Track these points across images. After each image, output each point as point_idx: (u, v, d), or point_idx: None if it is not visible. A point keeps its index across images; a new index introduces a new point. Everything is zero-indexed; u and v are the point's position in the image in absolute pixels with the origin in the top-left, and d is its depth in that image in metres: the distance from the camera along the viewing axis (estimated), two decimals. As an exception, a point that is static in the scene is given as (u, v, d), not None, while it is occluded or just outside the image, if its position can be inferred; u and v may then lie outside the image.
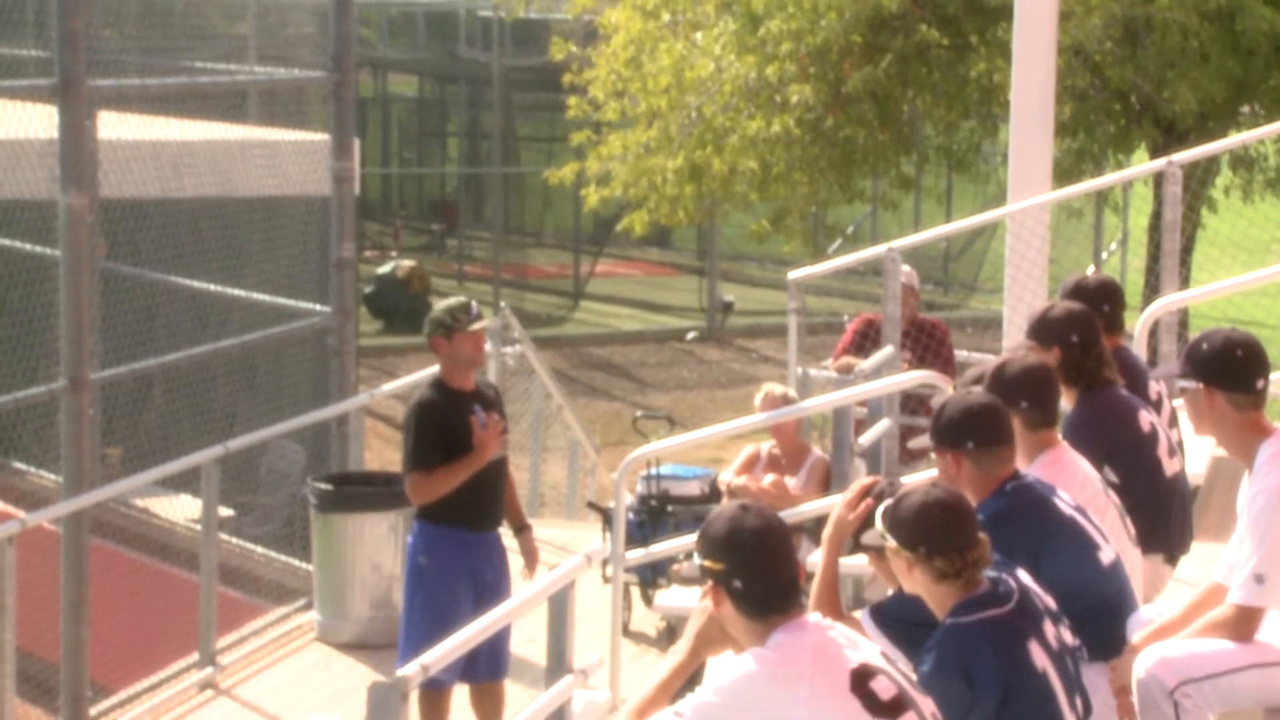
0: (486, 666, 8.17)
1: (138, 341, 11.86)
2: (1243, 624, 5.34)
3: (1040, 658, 4.88)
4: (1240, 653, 5.33)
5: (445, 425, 8.14)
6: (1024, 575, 5.16)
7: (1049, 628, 4.97)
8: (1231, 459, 9.68)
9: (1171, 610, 5.70)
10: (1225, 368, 5.51)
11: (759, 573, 4.50)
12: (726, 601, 4.54)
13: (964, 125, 18.73)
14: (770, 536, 4.54)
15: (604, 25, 19.70)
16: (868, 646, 4.57)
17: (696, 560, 4.63)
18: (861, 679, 4.43)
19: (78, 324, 10.42)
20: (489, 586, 8.25)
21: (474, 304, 8.42)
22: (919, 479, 7.30)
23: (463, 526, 8.23)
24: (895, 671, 4.53)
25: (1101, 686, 5.54)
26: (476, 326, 8.28)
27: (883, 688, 4.44)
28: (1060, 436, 6.90)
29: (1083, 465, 6.17)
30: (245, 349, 12.62)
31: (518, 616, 6.58)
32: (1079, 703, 4.97)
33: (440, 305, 8.40)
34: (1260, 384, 5.54)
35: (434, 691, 8.12)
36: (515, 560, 8.71)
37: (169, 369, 12.01)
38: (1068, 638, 5.17)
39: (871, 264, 11.77)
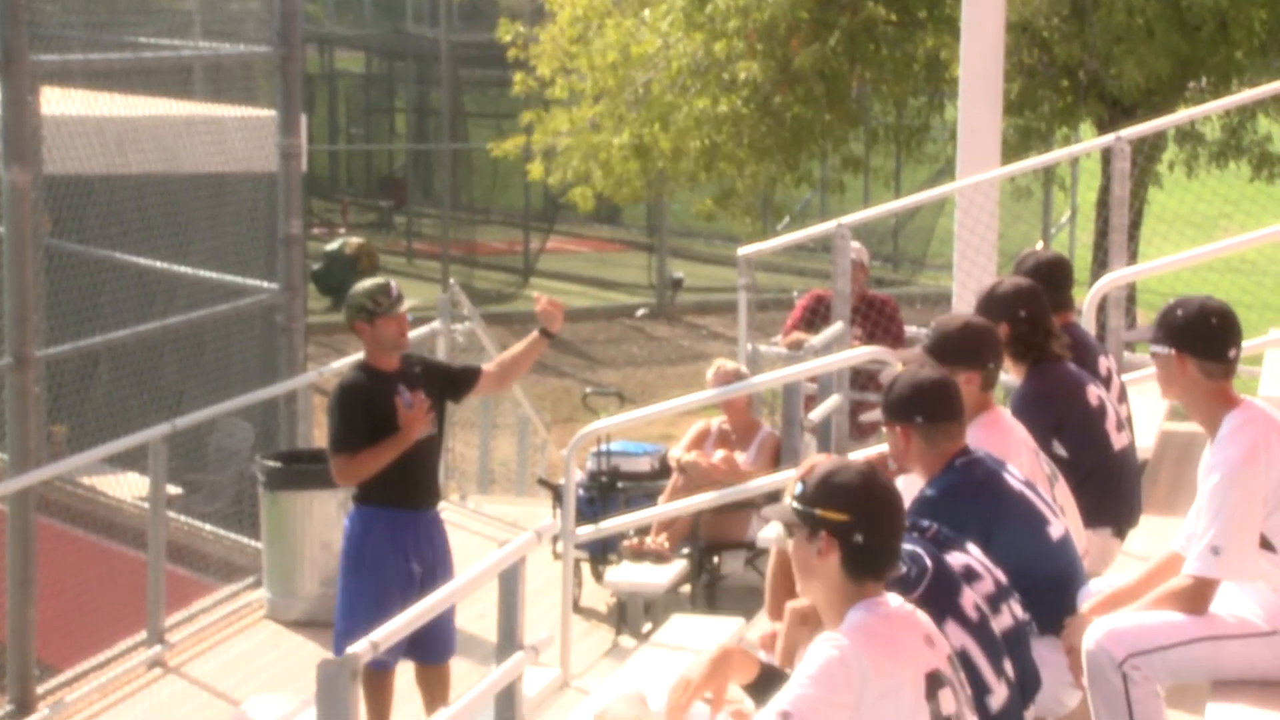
0: (431, 649, 8.12)
1: (84, 318, 11.77)
2: (1198, 596, 5.36)
3: (957, 635, 4.87)
4: (1190, 625, 5.36)
5: (370, 407, 8.07)
6: (974, 549, 5.17)
7: (966, 599, 4.95)
8: (1183, 435, 9.74)
9: (1127, 577, 5.73)
10: (1199, 335, 5.52)
11: (884, 530, 4.45)
12: (835, 555, 4.44)
13: (912, 102, 18.77)
14: (899, 498, 4.52)
15: (551, 1, 19.65)
16: (941, 644, 4.56)
17: (800, 507, 4.48)
18: (934, 684, 4.44)
19: (22, 301, 10.34)
20: (428, 566, 8.21)
21: (394, 285, 8.21)
22: (867, 454, 7.31)
23: (399, 506, 8.17)
24: (958, 681, 4.53)
25: (1052, 660, 5.55)
26: (399, 310, 8.18)
27: (946, 699, 4.44)
28: (1008, 407, 6.95)
29: (1018, 430, 6.22)
30: (192, 326, 12.54)
31: (468, 593, 6.56)
32: (1008, 668, 4.96)
33: (359, 288, 8.18)
34: (1232, 354, 5.55)
35: (377, 672, 8.08)
36: (455, 536, 8.68)
37: (115, 346, 11.94)
38: (1018, 611, 5.19)
39: (821, 240, 11.78)
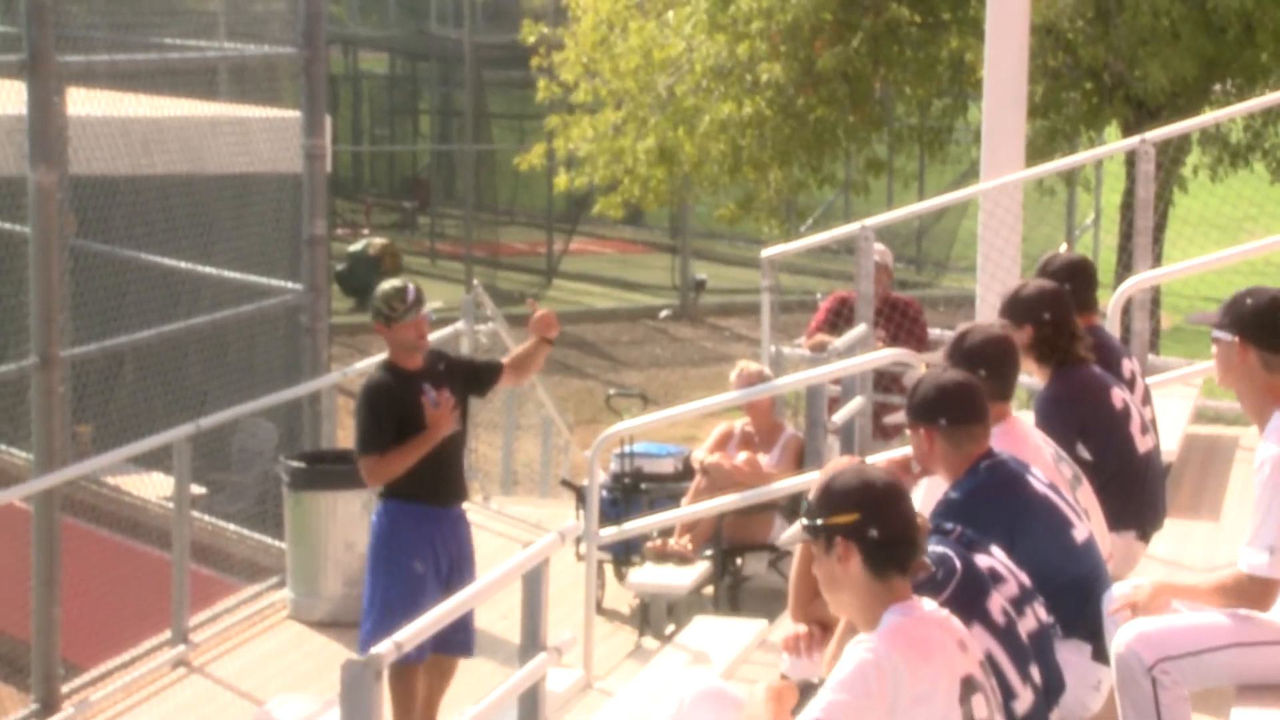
0: (450, 643, 8.15)
1: (108, 319, 11.80)
2: (1263, 594, 5.29)
3: (983, 639, 4.85)
4: (1221, 631, 5.33)
5: (397, 406, 8.16)
6: (998, 552, 5.16)
7: (993, 602, 4.94)
8: (1207, 438, 9.70)
9: (1199, 580, 5.70)
10: (1265, 325, 5.48)
11: (895, 521, 4.48)
12: (855, 557, 4.48)
13: (936, 104, 18.75)
14: (901, 486, 4.56)
15: (573, 6, 19.65)
16: (974, 648, 4.56)
17: (808, 522, 4.54)
18: (967, 690, 4.45)
19: (47, 301, 10.36)
20: (454, 563, 8.28)
21: (411, 289, 8.27)
22: (890, 456, 7.30)
23: (425, 502, 8.26)
24: (990, 687, 4.54)
25: (1076, 663, 5.54)
26: (413, 317, 8.23)
27: (979, 704, 4.44)
28: (1031, 411, 6.94)
29: (1035, 437, 6.20)
30: (217, 326, 12.57)
31: (492, 594, 6.57)
32: (1034, 673, 4.95)
33: (380, 291, 8.29)
34: None
35: (405, 666, 8.12)
36: (478, 537, 8.72)
37: (140, 346, 11.97)
38: (1042, 614, 5.17)
39: (844, 242, 11.78)
